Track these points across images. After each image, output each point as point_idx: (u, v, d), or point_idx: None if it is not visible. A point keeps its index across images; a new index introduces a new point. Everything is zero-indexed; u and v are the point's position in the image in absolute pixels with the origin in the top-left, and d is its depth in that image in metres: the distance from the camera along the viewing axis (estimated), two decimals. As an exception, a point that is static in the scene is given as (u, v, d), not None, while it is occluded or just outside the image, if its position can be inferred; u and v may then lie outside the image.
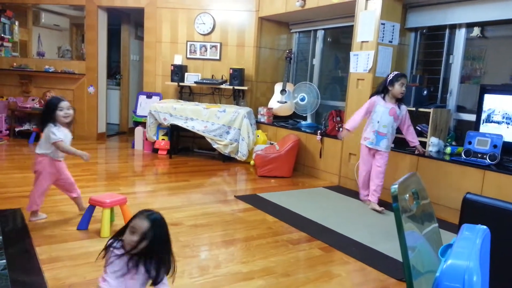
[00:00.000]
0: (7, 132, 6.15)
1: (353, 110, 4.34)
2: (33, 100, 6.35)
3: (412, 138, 3.68)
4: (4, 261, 2.23)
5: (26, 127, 6.25)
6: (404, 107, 3.63)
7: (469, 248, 1.10)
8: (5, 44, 6.52)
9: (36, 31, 6.92)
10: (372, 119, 3.62)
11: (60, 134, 2.76)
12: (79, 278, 2.13)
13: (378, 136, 3.59)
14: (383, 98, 3.58)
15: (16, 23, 6.67)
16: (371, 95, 3.71)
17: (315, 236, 2.93)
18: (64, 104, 2.76)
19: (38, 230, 2.71)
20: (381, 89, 3.61)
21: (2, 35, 6.47)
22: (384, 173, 3.63)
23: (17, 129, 6.18)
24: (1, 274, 2.08)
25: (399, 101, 3.58)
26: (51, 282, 2.05)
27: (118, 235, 1.62)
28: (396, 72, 3.59)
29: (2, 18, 6.43)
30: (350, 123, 3.69)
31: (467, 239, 1.17)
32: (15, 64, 6.43)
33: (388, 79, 3.56)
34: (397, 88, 3.51)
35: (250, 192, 4.07)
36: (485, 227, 1.25)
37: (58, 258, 2.33)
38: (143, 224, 1.55)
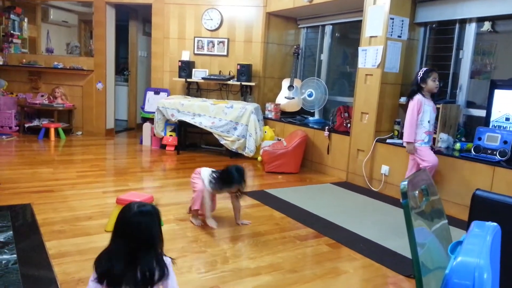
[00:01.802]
0: (17, 128, 6.21)
1: (361, 106, 4.33)
2: (42, 96, 6.40)
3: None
4: (15, 255, 2.25)
5: (35, 123, 6.30)
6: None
7: (479, 245, 1.09)
8: (14, 40, 6.57)
9: (45, 27, 6.96)
10: (422, 120, 3.39)
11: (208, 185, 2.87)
12: (88, 272, 2.13)
13: (429, 136, 3.43)
14: (423, 96, 3.39)
15: (25, 19, 6.72)
16: (409, 97, 3.48)
17: (323, 232, 2.92)
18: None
19: (48, 225, 2.74)
20: (416, 88, 3.41)
21: (12, 31, 6.52)
22: None
23: (26, 125, 6.24)
24: (12, 269, 2.11)
25: (432, 96, 3.47)
26: (61, 277, 2.07)
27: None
28: (425, 68, 3.42)
29: (11, 15, 6.48)
30: (410, 134, 3.41)
31: (477, 236, 1.16)
32: (24, 60, 6.48)
33: (419, 77, 3.38)
34: (431, 84, 3.35)
35: (258, 188, 4.07)
36: (495, 224, 1.23)
37: (67, 253, 2.36)
38: None
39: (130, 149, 5.83)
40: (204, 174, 2.93)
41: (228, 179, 2.83)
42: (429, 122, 3.39)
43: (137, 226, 1.47)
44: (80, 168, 4.38)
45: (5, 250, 2.31)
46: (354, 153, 4.45)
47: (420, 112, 3.37)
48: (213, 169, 2.98)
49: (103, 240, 2.56)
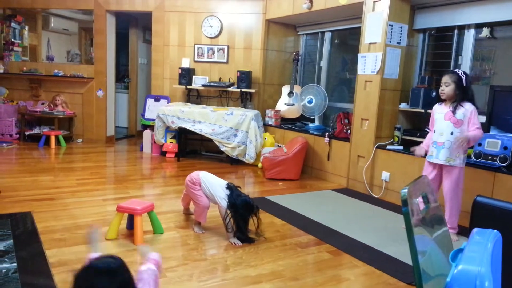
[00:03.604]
0: (18, 136, 6.22)
1: (361, 112, 4.34)
2: (42, 104, 6.41)
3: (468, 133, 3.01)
4: (15, 264, 2.25)
5: (36, 130, 6.31)
6: (466, 108, 2.99)
7: (481, 253, 1.09)
8: (15, 48, 6.60)
9: (46, 35, 6.98)
10: (434, 130, 3.16)
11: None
12: (89, 281, 2.13)
13: (437, 147, 3.07)
14: (441, 103, 3.14)
15: (26, 28, 6.75)
16: None
17: (324, 240, 2.91)
18: None
19: (48, 233, 2.73)
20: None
21: (12, 40, 6.55)
22: (455, 193, 3.05)
23: (27, 133, 6.25)
24: (12, 277, 2.10)
25: (460, 102, 3.01)
26: (61, 286, 2.06)
27: None
28: None
29: (12, 23, 6.52)
30: (425, 140, 3.27)
31: (478, 243, 1.16)
32: (25, 68, 6.51)
33: None
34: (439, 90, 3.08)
35: (258, 195, 4.06)
36: (496, 231, 1.23)
37: (67, 261, 2.35)
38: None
39: (131, 156, 5.83)
40: (215, 190, 2.82)
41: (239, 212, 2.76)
42: (435, 131, 3.12)
43: None
44: (81, 176, 4.38)
45: (5, 259, 2.30)
46: (354, 160, 4.45)
47: (433, 121, 3.19)
48: (225, 186, 2.86)
49: (104, 249, 2.56)
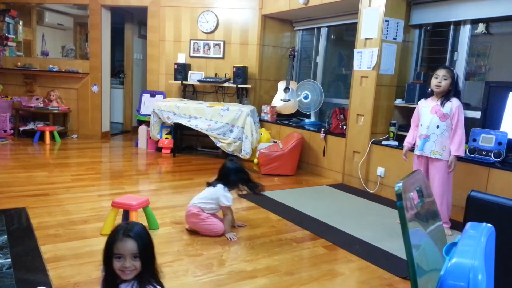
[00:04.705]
0: (12, 131, 6.18)
1: (356, 108, 4.34)
2: (37, 99, 6.37)
3: (452, 147, 3.06)
4: (9, 260, 2.24)
5: (30, 126, 6.27)
6: (452, 103, 3.04)
7: (474, 246, 1.10)
8: (9, 43, 6.54)
9: (40, 30, 6.94)
10: (420, 124, 3.22)
11: (231, 199, 2.83)
12: (84, 276, 2.13)
13: (422, 140, 3.14)
14: (427, 98, 3.21)
15: (20, 22, 6.70)
16: None
17: (319, 235, 2.92)
18: None
19: (43, 229, 2.72)
20: (428, 90, 3.22)
21: (6, 34, 6.49)
22: (445, 188, 3.10)
23: (21, 129, 6.21)
24: (6, 273, 2.09)
25: (447, 97, 3.06)
26: (56, 281, 2.06)
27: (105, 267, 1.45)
28: None
29: (6, 18, 6.46)
30: (407, 137, 3.34)
31: (472, 237, 1.16)
32: (19, 63, 6.46)
33: None
34: (432, 82, 3.09)
35: (254, 190, 4.06)
36: (490, 225, 1.24)
37: (62, 257, 2.34)
38: (130, 246, 1.40)
39: (126, 152, 5.82)
40: (213, 194, 2.81)
41: (226, 174, 2.88)
42: (422, 125, 3.16)
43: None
44: (76, 172, 4.36)
45: (0, 255, 2.30)
46: (350, 155, 4.46)
47: (419, 115, 3.24)
48: (214, 184, 2.88)
49: (99, 244, 2.55)
